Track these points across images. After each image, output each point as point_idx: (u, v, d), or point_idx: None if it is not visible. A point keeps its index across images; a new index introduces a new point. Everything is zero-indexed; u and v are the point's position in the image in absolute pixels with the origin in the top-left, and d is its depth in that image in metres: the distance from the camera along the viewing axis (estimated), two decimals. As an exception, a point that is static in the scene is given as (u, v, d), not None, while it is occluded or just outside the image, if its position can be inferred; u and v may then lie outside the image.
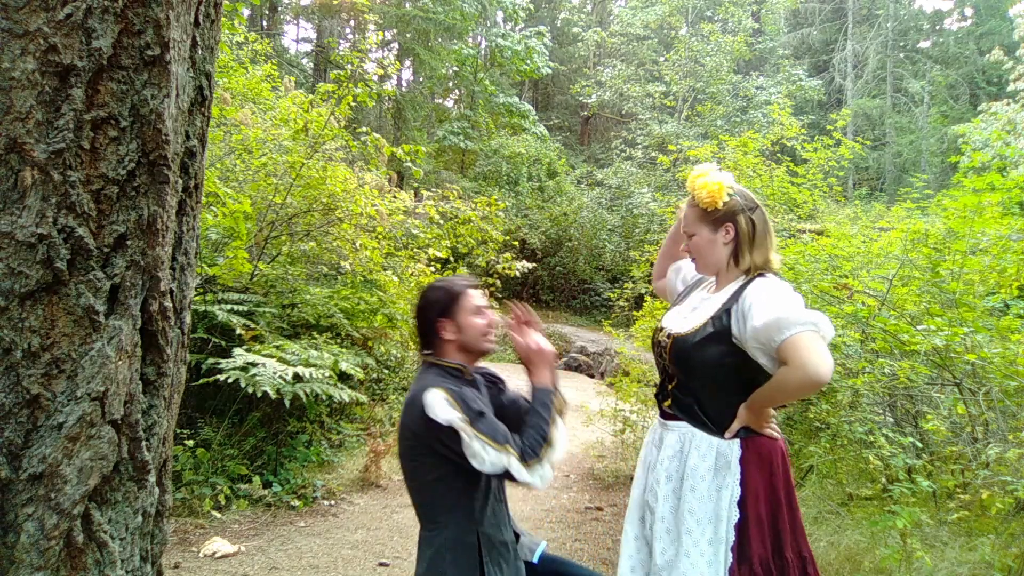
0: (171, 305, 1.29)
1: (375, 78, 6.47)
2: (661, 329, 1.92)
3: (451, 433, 1.93)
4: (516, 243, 10.87)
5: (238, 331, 4.22)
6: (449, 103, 22.04)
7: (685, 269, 2.13)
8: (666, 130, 16.51)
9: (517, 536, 2.13)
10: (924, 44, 23.83)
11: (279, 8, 20.62)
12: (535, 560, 2.16)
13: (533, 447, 1.90)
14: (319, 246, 5.64)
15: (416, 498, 2.04)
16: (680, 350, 1.80)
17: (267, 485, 4.15)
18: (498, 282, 7.61)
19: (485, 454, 1.90)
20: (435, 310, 2.12)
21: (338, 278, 5.93)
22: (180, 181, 1.29)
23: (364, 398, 4.70)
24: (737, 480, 1.72)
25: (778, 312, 1.62)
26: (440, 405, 1.95)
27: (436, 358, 2.12)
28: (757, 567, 1.68)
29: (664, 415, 1.91)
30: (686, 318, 1.88)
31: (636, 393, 5.34)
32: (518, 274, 7.57)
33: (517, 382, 2.25)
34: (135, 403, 1.19)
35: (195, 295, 3.76)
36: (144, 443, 1.21)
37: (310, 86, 14.40)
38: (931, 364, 3.39)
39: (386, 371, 6.12)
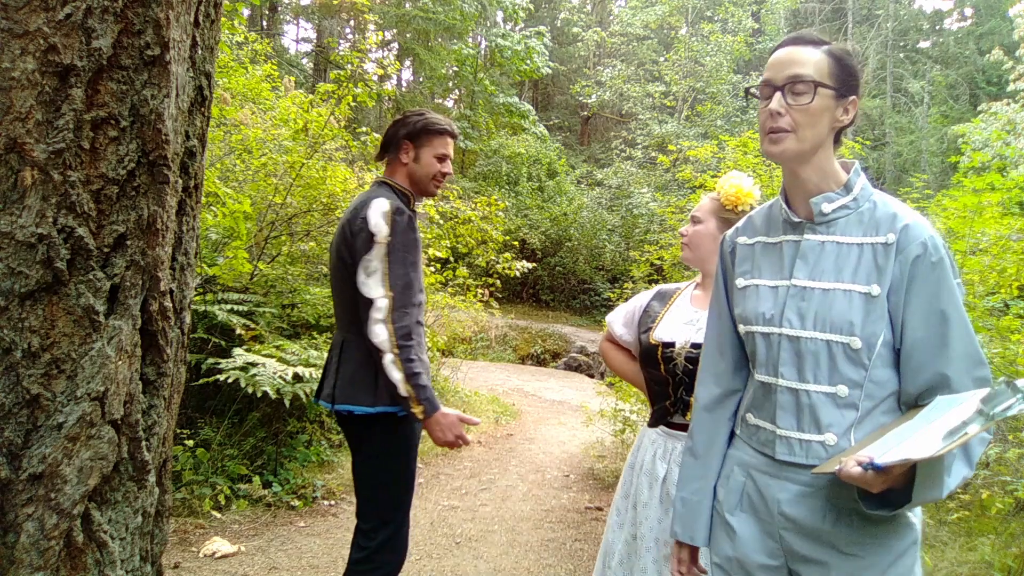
0: (171, 305, 1.29)
1: (375, 78, 6.48)
2: (669, 344, 1.90)
3: (367, 239, 2.03)
4: (516, 243, 10.87)
5: (238, 331, 4.22)
6: (449, 103, 22.04)
7: (627, 309, 2.16)
8: (666, 130, 16.51)
9: None
10: (924, 44, 23.83)
11: (279, 8, 20.61)
12: None
13: (407, 349, 1.97)
14: (319, 246, 5.63)
15: (336, 298, 2.18)
16: None
17: (267, 485, 4.15)
18: (498, 282, 7.61)
19: (372, 282, 2.00)
20: (405, 129, 2.21)
21: (338, 278, 5.92)
22: (180, 181, 1.29)
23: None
24: None
25: None
26: (378, 212, 2.04)
27: (388, 178, 2.22)
28: None
29: (680, 427, 1.89)
30: (701, 330, 1.87)
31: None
32: (518, 274, 7.57)
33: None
34: (135, 403, 1.19)
35: (195, 295, 3.75)
36: (144, 443, 1.21)
37: (310, 86, 14.40)
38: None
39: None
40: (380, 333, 1.97)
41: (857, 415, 1.25)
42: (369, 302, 1.99)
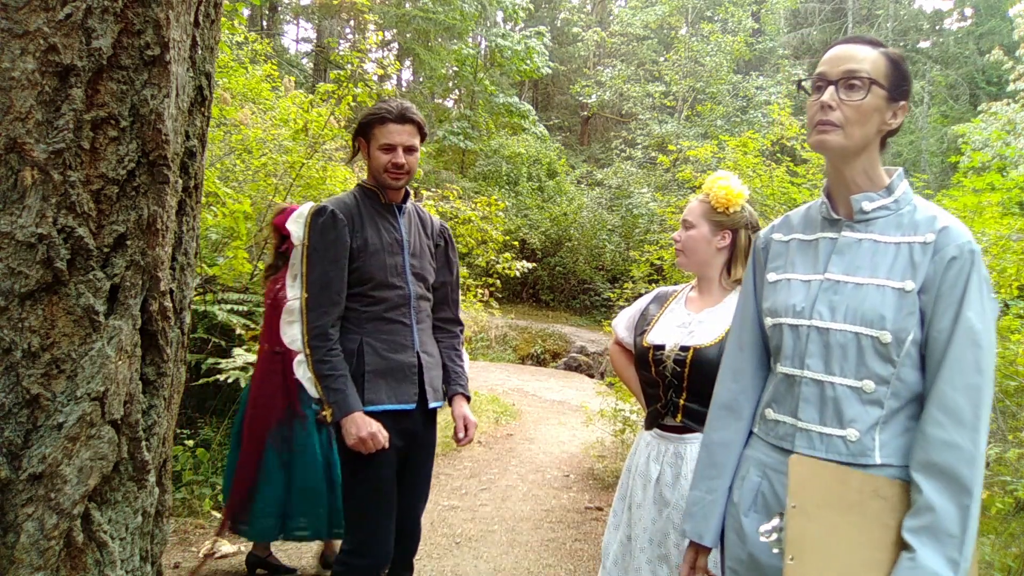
0: (171, 305, 1.29)
1: (375, 78, 6.48)
2: (660, 347, 1.91)
3: (291, 244, 2.05)
4: (516, 243, 10.87)
5: (238, 331, 4.21)
6: (449, 103, 22.03)
7: (626, 317, 2.16)
8: (666, 130, 16.52)
9: (422, 366, 2.11)
10: (924, 44, 23.82)
11: (279, 8, 20.62)
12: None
13: (319, 350, 1.93)
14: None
15: None
16: (705, 361, 1.80)
17: (267, 485, 4.14)
18: (498, 282, 7.61)
19: (293, 283, 2.01)
20: (359, 127, 2.13)
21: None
22: (180, 181, 1.29)
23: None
24: None
25: None
26: (299, 217, 2.03)
27: (364, 180, 2.17)
28: None
29: (672, 429, 1.89)
30: (692, 332, 1.88)
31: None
32: (518, 274, 7.57)
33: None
34: (135, 403, 1.19)
35: (195, 295, 3.75)
36: (144, 443, 1.21)
37: (310, 86, 14.40)
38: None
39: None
40: (291, 334, 1.98)
41: (882, 413, 1.22)
42: (288, 310, 2.01)
